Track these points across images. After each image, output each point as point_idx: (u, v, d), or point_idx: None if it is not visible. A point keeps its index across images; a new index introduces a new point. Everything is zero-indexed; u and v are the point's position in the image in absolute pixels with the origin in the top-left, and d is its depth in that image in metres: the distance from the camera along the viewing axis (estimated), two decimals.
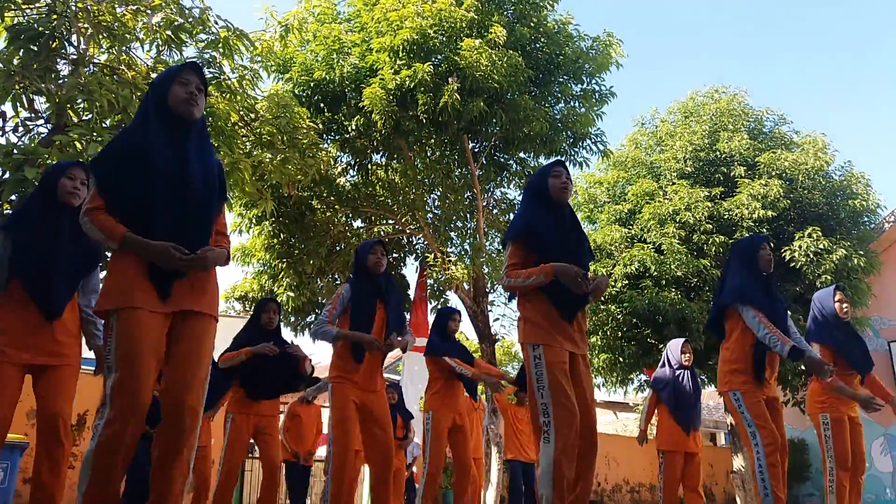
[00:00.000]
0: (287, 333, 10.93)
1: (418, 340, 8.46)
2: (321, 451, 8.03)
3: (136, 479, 5.72)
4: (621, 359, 11.76)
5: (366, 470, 9.24)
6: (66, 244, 3.22)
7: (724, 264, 5.25)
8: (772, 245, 4.35)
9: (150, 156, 2.47)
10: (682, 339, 6.41)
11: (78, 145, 5.51)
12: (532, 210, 3.50)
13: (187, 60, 6.42)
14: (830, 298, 4.98)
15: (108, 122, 5.96)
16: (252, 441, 5.10)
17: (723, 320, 4.34)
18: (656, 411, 6.33)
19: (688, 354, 6.23)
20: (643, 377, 12.96)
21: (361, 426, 4.30)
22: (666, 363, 6.33)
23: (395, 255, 11.70)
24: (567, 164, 9.80)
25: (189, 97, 2.57)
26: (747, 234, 10.86)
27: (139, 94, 5.84)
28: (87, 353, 3.45)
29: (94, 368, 3.49)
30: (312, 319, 10.85)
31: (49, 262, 3.17)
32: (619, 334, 11.63)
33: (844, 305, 4.92)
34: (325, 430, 8.06)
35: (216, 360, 4.86)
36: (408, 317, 11.01)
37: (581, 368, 3.37)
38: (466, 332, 18.21)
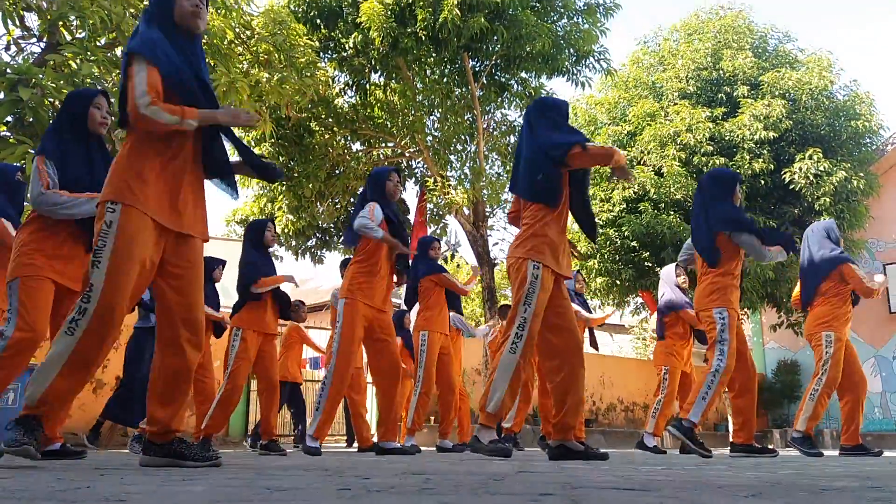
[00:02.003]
0: (288, 257, 11.05)
1: None
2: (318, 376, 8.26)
3: (127, 394, 5.88)
4: (618, 282, 11.89)
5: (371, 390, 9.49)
6: (100, 173, 3.22)
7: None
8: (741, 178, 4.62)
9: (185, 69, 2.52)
10: (673, 264, 6.43)
11: (73, 64, 5.40)
12: None
13: None
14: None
15: (102, 40, 5.82)
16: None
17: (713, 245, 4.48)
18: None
19: (683, 276, 6.30)
20: (639, 300, 13.15)
21: (367, 342, 4.51)
22: (669, 289, 6.36)
23: None
24: (568, 83, 9.67)
25: (195, 10, 2.58)
26: (748, 156, 10.81)
27: (132, 10, 5.68)
28: None
29: None
30: (313, 243, 10.90)
31: (87, 190, 3.17)
32: (617, 258, 11.72)
33: None
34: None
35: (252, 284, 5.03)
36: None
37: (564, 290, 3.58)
38: (466, 256, 18.34)
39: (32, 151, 4.74)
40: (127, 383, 6.03)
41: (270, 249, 5.37)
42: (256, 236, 5.19)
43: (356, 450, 6.48)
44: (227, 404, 4.94)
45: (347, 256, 6.69)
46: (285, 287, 5.28)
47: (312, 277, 16.11)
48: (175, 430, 2.53)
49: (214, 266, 5.60)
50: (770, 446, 5.65)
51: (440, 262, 6.15)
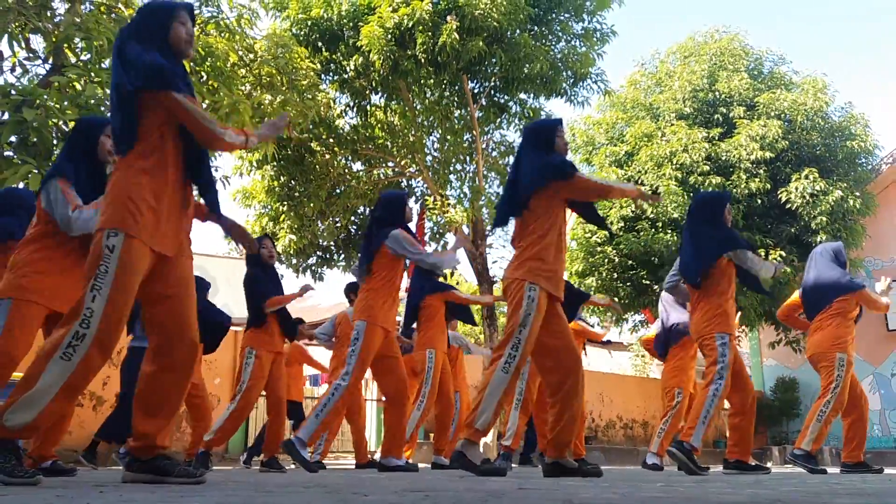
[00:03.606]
0: (289, 275, 11.08)
1: None
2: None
3: (122, 413, 5.87)
4: (616, 299, 11.91)
5: (371, 407, 9.48)
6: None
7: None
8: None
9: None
10: None
11: (77, 86, 5.46)
12: None
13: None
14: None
15: (106, 62, 5.89)
16: None
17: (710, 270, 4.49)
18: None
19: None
20: (637, 317, 13.16)
21: (376, 360, 4.57)
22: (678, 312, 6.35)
23: None
24: (567, 103, 9.76)
25: (189, 39, 2.67)
26: (744, 176, 10.88)
27: None
28: None
29: None
30: (314, 262, 10.96)
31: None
32: (615, 275, 11.76)
33: None
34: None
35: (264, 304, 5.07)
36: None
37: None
38: (465, 274, 18.40)
39: (36, 171, 4.78)
40: (122, 402, 6.04)
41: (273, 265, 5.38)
42: (254, 255, 5.16)
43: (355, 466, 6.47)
44: (237, 420, 5.01)
45: (353, 280, 6.67)
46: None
47: (313, 295, 16.10)
48: (160, 446, 2.52)
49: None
50: (768, 464, 5.65)
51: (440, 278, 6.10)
